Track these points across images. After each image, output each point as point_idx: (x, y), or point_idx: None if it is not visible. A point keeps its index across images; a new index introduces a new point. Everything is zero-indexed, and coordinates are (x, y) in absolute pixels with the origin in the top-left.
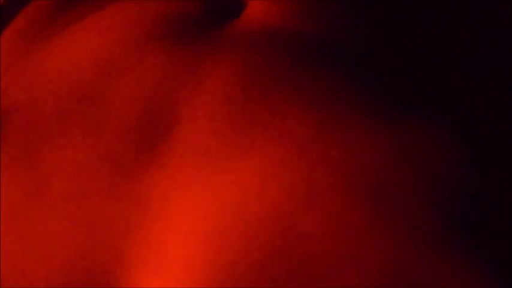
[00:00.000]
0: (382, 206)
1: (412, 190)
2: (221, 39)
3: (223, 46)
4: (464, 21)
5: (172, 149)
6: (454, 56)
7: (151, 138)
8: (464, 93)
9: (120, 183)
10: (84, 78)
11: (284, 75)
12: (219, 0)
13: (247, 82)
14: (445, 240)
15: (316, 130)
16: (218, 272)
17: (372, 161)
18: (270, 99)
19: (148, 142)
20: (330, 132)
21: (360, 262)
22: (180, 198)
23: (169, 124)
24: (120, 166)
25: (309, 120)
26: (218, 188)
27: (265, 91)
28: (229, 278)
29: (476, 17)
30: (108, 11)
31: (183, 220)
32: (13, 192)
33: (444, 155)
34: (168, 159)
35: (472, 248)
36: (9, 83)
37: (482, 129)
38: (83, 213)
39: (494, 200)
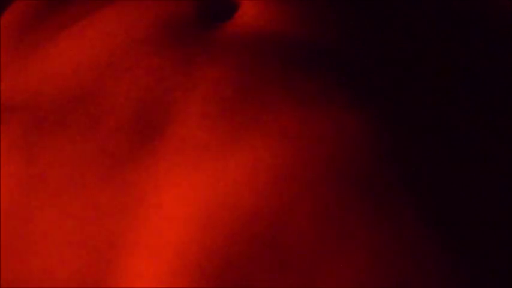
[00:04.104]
0: (369, 201)
1: (397, 186)
2: (214, 41)
3: (216, 48)
4: (454, 26)
5: (167, 144)
6: (442, 61)
7: (146, 134)
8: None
9: (115, 175)
10: (83, 80)
11: (275, 76)
12: (212, 2)
13: (239, 83)
14: (430, 238)
15: (306, 126)
16: (210, 259)
17: (360, 156)
18: (261, 98)
19: (144, 138)
20: (320, 129)
21: (348, 256)
22: (174, 188)
23: (163, 121)
24: (115, 160)
25: (299, 116)
26: (211, 179)
27: (256, 91)
28: (221, 266)
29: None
30: (105, 14)
31: (177, 209)
32: (11, 187)
33: (427, 152)
34: (163, 153)
35: (457, 247)
36: (8, 82)
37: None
38: (79, 204)
39: (473, 198)
